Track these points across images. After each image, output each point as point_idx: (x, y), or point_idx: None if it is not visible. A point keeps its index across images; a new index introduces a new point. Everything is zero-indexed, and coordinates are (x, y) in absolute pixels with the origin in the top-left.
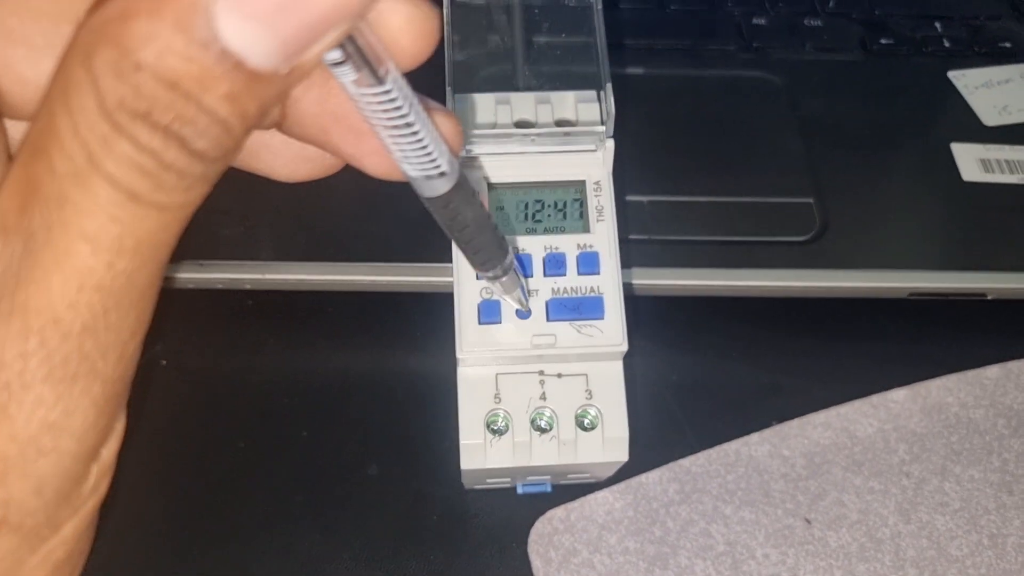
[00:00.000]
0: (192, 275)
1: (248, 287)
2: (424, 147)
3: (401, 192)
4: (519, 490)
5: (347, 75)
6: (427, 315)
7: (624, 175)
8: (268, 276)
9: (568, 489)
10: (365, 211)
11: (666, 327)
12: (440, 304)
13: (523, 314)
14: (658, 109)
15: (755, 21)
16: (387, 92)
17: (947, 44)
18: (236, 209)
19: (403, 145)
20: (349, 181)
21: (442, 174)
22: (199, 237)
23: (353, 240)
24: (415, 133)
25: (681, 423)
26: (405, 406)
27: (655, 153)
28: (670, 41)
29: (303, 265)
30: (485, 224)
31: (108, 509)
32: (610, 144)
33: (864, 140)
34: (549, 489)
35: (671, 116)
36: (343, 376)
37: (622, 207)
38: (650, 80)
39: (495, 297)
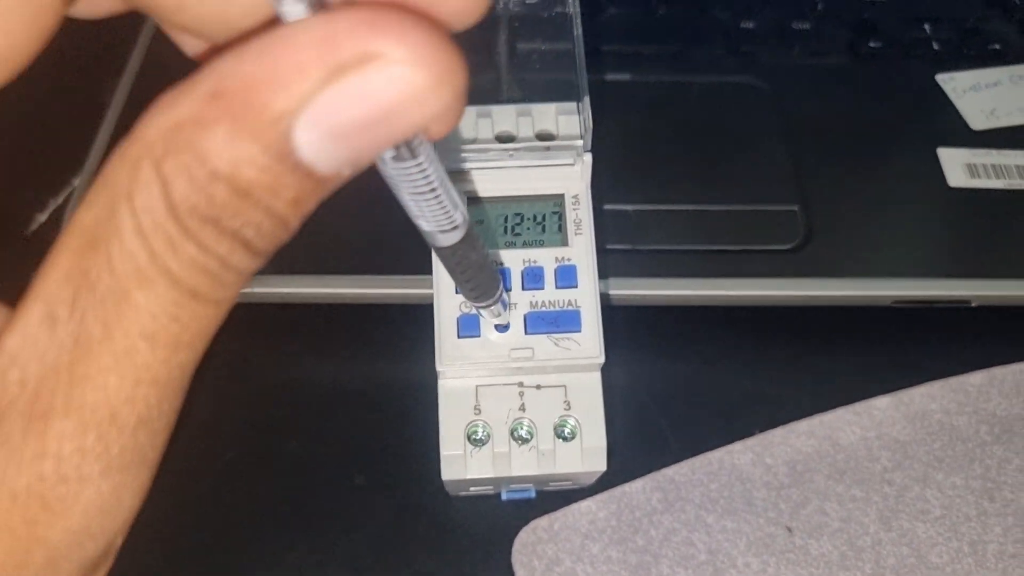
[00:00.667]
0: None
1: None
2: (443, 207)
3: (385, 205)
4: (503, 496)
5: (385, 154)
6: (412, 326)
7: (609, 183)
8: (255, 290)
9: (551, 495)
10: (349, 224)
11: (650, 336)
12: (424, 315)
13: (501, 328)
14: (644, 116)
15: (743, 25)
16: (419, 164)
17: (936, 47)
18: None
19: (423, 207)
20: (335, 197)
21: (455, 228)
22: None
23: (338, 253)
24: (437, 197)
25: (665, 432)
26: (391, 416)
27: (640, 161)
28: (657, 47)
29: (290, 279)
30: (485, 264)
31: None
32: (588, 158)
33: (851, 146)
34: (533, 495)
35: (657, 123)
36: (331, 387)
37: (604, 217)
38: (637, 87)
39: (474, 312)
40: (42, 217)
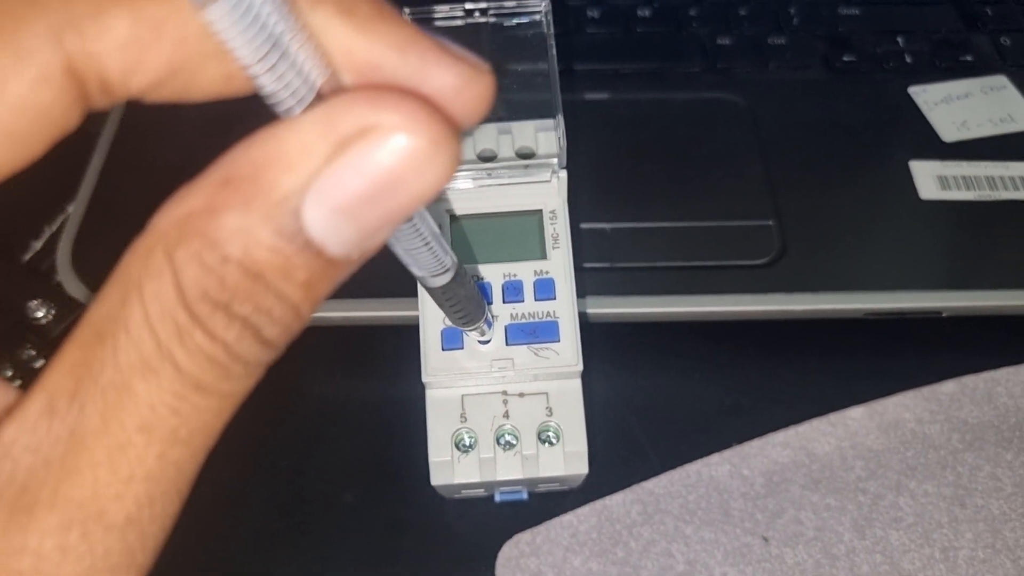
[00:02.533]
0: None
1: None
2: (435, 256)
3: None
4: (497, 498)
5: None
6: (398, 346)
7: (587, 202)
8: None
9: (543, 497)
10: None
11: (628, 352)
12: (409, 335)
13: (484, 341)
14: (622, 134)
15: (720, 41)
16: (413, 224)
17: (909, 59)
18: None
19: (416, 257)
20: None
21: (446, 271)
22: None
23: None
24: (430, 248)
25: (644, 445)
26: (380, 432)
27: (617, 179)
28: (636, 64)
29: None
30: (473, 297)
31: None
32: (563, 174)
33: (825, 160)
34: (525, 497)
35: (635, 141)
36: (321, 406)
37: (581, 235)
38: (615, 105)
39: (475, 335)
40: (37, 244)
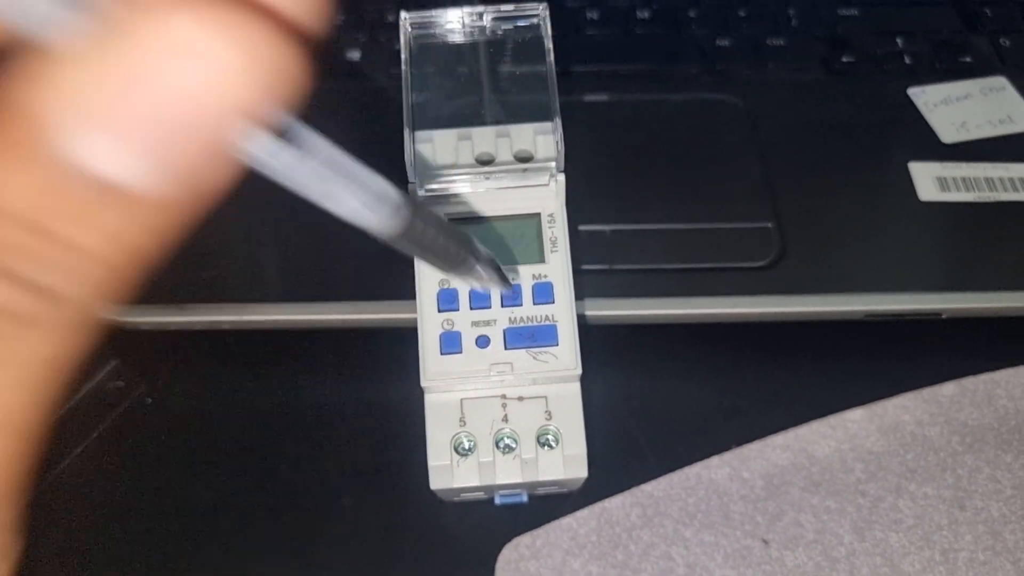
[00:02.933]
0: (173, 318)
1: (227, 327)
2: (356, 192)
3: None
4: (497, 501)
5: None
6: (397, 349)
7: (585, 204)
8: (245, 317)
9: (543, 500)
10: (336, 251)
11: (627, 354)
12: (409, 338)
13: (483, 342)
14: (621, 136)
15: (719, 42)
16: (299, 155)
17: (908, 60)
18: (214, 251)
19: (336, 198)
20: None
21: (395, 211)
22: (179, 280)
23: (326, 279)
24: (347, 182)
25: (643, 448)
26: (379, 436)
27: (616, 181)
28: (635, 66)
29: (279, 306)
30: (449, 235)
31: (91, 546)
32: (561, 178)
33: (824, 161)
34: (525, 499)
35: (634, 142)
36: (319, 410)
37: (580, 237)
38: (614, 106)
39: (455, 329)
40: None
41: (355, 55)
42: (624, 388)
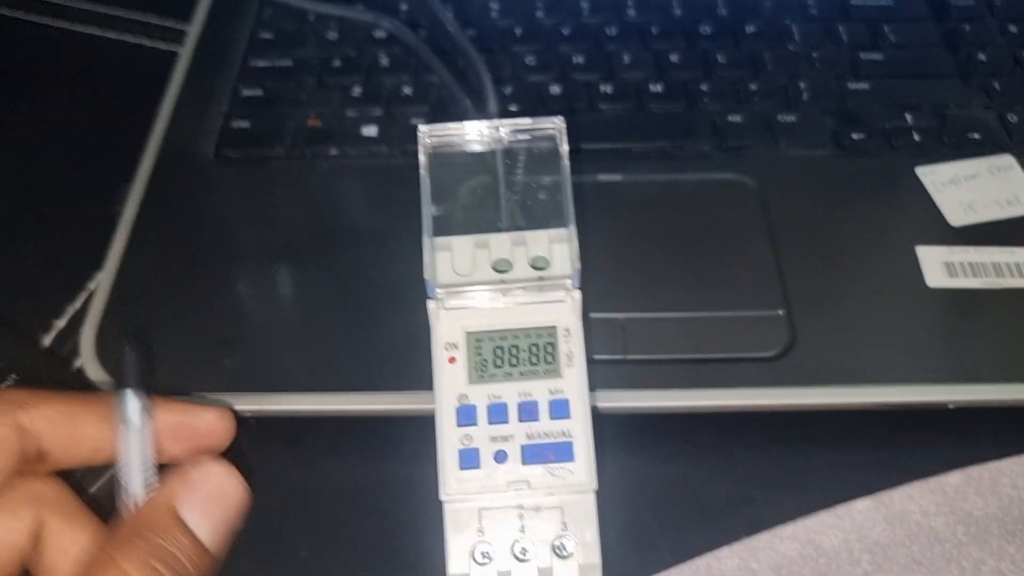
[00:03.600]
0: None
1: (248, 415)
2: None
3: (388, 326)
4: None
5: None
6: (419, 437)
7: (597, 290)
8: (267, 407)
9: None
10: (355, 341)
11: (640, 442)
12: (427, 426)
13: (500, 457)
14: (635, 218)
15: (731, 118)
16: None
17: (916, 137)
18: (237, 338)
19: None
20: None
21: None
22: (201, 368)
23: (345, 369)
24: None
25: (655, 537)
26: (399, 526)
27: (631, 266)
28: (648, 143)
29: (300, 397)
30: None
31: None
32: (577, 295)
33: (833, 244)
34: None
35: (647, 225)
36: (340, 496)
37: (592, 325)
38: (628, 187)
39: (474, 446)
40: (60, 323)
41: (371, 131)
42: (637, 477)
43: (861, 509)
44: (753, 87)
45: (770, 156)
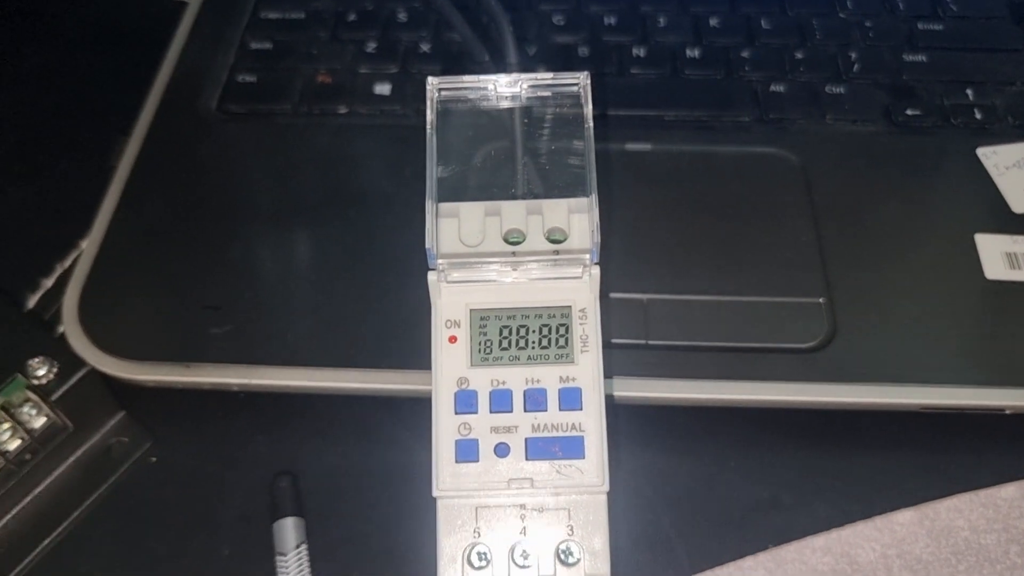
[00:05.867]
0: (179, 378)
1: (236, 389)
2: None
3: (390, 300)
4: None
5: None
6: (415, 419)
7: (620, 268)
8: (255, 381)
9: None
10: (353, 313)
11: (660, 435)
12: (427, 408)
13: (502, 451)
14: (664, 191)
15: (773, 88)
16: None
17: (978, 115)
18: (226, 306)
19: None
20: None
21: None
22: (187, 336)
23: (341, 343)
24: None
25: (673, 541)
26: (390, 513)
27: (657, 242)
28: (682, 111)
29: (290, 371)
30: None
31: None
32: (596, 271)
33: (882, 229)
34: None
35: (678, 199)
36: (330, 479)
37: (612, 306)
38: (658, 157)
39: (472, 437)
40: (48, 282)
41: (384, 89)
42: (654, 475)
43: (902, 522)
44: (799, 56)
45: (815, 130)
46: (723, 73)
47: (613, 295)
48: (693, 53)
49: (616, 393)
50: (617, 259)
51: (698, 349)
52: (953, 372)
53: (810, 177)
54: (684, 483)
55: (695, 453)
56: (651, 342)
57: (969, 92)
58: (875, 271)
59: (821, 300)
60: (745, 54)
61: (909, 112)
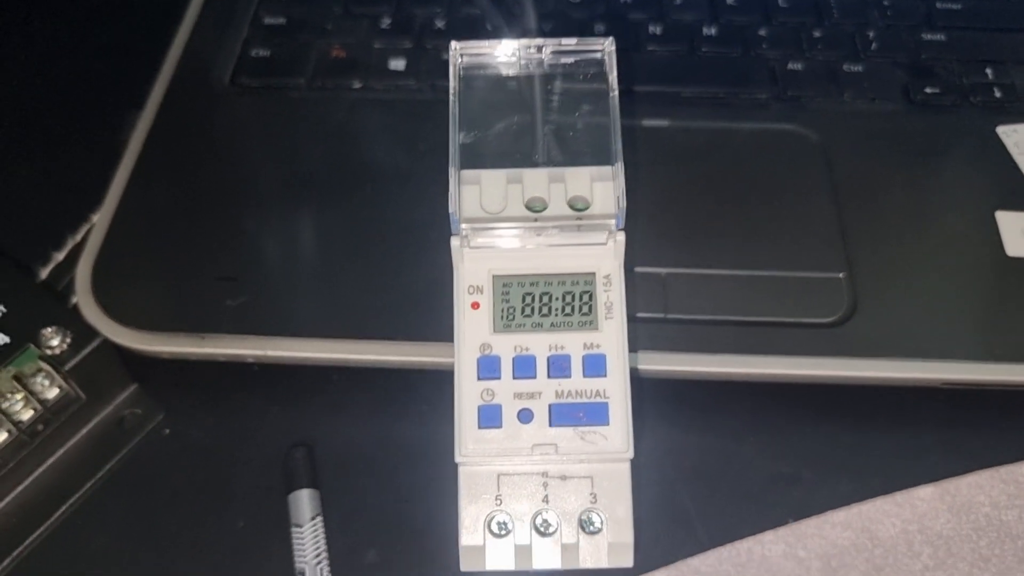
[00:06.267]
0: (194, 349)
1: (251, 361)
2: None
3: (406, 271)
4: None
5: None
6: (433, 393)
7: (641, 242)
8: (270, 352)
9: (580, 572)
10: (370, 285)
11: (679, 409)
12: (445, 381)
13: (525, 416)
14: (682, 167)
15: (791, 66)
16: None
17: (998, 93)
18: (241, 277)
19: None
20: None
21: None
22: (202, 307)
23: (358, 315)
24: None
25: (691, 515)
26: (407, 486)
27: (676, 217)
28: (699, 88)
29: (306, 342)
30: None
31: None
32: (621, 237)
33: (902, 204)
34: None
35: (695, 175)
36: (346, 453)
37: (634, 280)
38: (676, 134)
39: (495, 402)
40: (59, 256)
41: (399, 64)
42: (674, 448)
43: (923, 497)
44: (817, 34)
45: (833, 108)
46: (740, 51)
47: (636, 269)
48: (710, 31)
49: (638, 366)
50: (635, 233)
51: (717, 323)
52: (974, 348)
53: (829, 154)
54: (702, 457)
55: (714, 427)
56: (670, 316)
57: (988, 71)
58: (896, 247)
59: (841, 275)
60: (762, 32)
61: (928, 91)
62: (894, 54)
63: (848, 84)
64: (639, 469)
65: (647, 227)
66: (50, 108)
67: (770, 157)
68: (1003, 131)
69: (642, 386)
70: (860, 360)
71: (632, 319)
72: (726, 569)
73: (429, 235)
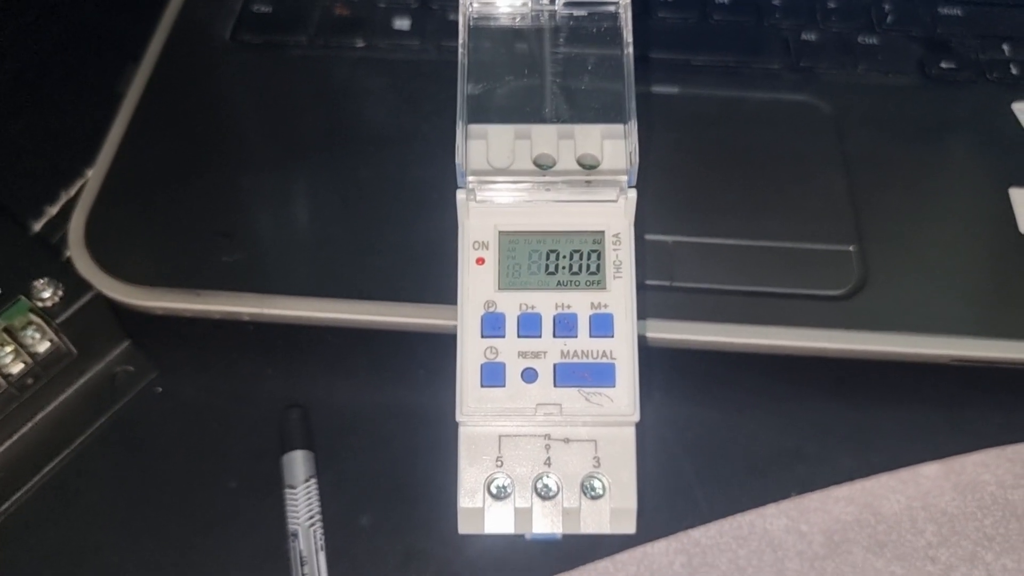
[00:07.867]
0: (189, 305)
1: (247, 319)
2: None
3: (408, 232)
4: (527, 536)
5: None
6: (431, 355)
7: (649, 210)
8: (267, 310)
9: (579, 538)
10: (370, 246)
11: (683, 379)
12: (445, 344)
13: (529, 376)
14: (692, 135)
15: (804, 36)
16: None
17: (1014, 70)
18: (239, 233)
19: None
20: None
21: None
22: (198, 263)
23: (357, 275)
24: None
25: (694, 487)
26: (403, 450)
27: (684, 186)
28: (710, 56)
29: (303, 301)
30: None
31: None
32: (632, 194)
33: (915, 179)
34: (559, 536)
35: (705, 143)
36: (341, 415)
37: (642, 248)
38: (685, 101)
39: (499, 360)
40: (52, 210)
41: (404, 23)
42: (677, 418)
43: (928, 475)
44: (832, 5)
45: (847, 80)
46: (753, 20)
47: (645, 237)
48: None
49: (645, 334)
50: (641, 200)
51: (724, 292)
52: (984, 325)
53: (841, 126)
54: (706, 428)
55: (718, 399)
56: (676, 284)
57: (1005, 47)
58: (907, 221)
59: (851, 248)
60: (776, 1)
61: (943, 65)
62: (910, 27)
63: (863, 56)
64: (642, 438)
65: (654, 193)
66: (45, 60)
67: (781, 127)
68: (1019, 108)
69: (646, 355)
70: (868, 334)
71: (638, 286)
72: (727, 542)
73: (431, 196)
